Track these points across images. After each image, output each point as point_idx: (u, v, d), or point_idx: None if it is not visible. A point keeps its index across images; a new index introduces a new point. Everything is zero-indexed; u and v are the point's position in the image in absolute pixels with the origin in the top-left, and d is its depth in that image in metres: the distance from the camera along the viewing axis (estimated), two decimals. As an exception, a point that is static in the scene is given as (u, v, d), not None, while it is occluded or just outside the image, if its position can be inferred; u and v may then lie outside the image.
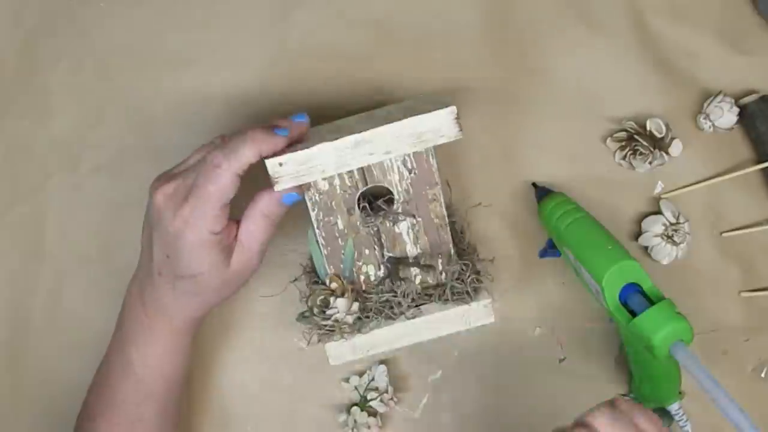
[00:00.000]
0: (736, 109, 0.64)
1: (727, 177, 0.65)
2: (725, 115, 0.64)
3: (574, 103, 0.66)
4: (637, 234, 0.64)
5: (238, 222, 0.53)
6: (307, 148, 0.49)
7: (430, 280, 0.57)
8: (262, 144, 0.50)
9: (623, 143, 0.65)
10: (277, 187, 0.50)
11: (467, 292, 0.56)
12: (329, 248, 0.55)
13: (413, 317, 0.56)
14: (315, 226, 0.55)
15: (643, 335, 0.51)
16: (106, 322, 0.64)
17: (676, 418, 0.59)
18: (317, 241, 0.55)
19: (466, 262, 0.57)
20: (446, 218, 0.56)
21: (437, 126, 0.50)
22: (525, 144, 0.66)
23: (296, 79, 0.65)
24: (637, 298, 0.54)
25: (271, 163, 0.49)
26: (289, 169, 0.49)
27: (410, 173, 0.54)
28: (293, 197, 0.52)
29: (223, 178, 0.49)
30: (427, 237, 0.56)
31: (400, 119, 0.50)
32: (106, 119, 0.66)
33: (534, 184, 0.64)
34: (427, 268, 0.56)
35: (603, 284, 0.54)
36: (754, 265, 0.65)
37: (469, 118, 0.66)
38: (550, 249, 0.63)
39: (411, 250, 0.56)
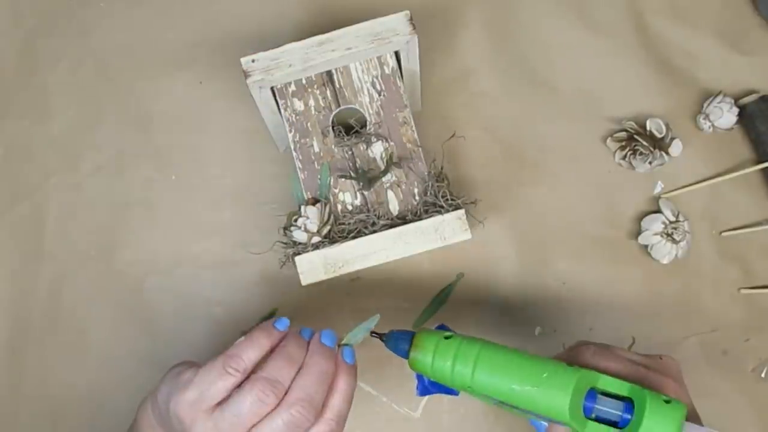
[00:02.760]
0: (735, 110, 0.64)
1: (727, 177, 0.65)
2: (725, 115, 0.64)
3: (574, 103, 0.66)
4: (637, 233, 0.64)
5: None
6: (276, 48, 0.55)
7: (402, 180, 0.57)
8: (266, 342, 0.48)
9: (623, 143, 0.65)
10: (249, 80, 0.54)
11: (441, 206, 0.56)
12: (306, 172, 0.57)
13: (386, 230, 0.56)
14: (292, 148, 0.57)
15: None
16: (106, 323, 0.64)
17: None
18: (296, 168, 0.57)
19: (441, 184, 0.57)
20: (418, 142, 0.57)
21: (393, 26, 0.55)
22: (525, 144, 0.66)
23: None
24: (607, 404, 0.44)
25: (244, 60, 0.54)
26: (261, 65, 0.55)
27: (379, 95, 0.57)
28: (351, 356, 0.49)
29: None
30: (401, 161, 0.57)
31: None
32: (106, 119, 0.66)
33: (375, 334, 0.51)
34: (397, 166, 0.57)
35: (569, 419, 0.43)
36: (753, 265, 0.65)
37: (471, 118, 0.66)
38: (431, 385, 0.50)
39: (385, 177, 0.57)
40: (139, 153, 0.66)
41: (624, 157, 0.65)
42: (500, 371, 0.45)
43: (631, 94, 0.66)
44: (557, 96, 0.67)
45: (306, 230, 0.55)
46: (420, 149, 0.57)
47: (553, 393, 0.43)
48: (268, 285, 0.64)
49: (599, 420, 0.44)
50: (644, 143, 0.63)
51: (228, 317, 0.64)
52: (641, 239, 0.64)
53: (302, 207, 0.55)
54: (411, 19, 0.55)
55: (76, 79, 0.67)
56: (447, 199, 0.56)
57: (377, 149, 0.57)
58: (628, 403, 0.44)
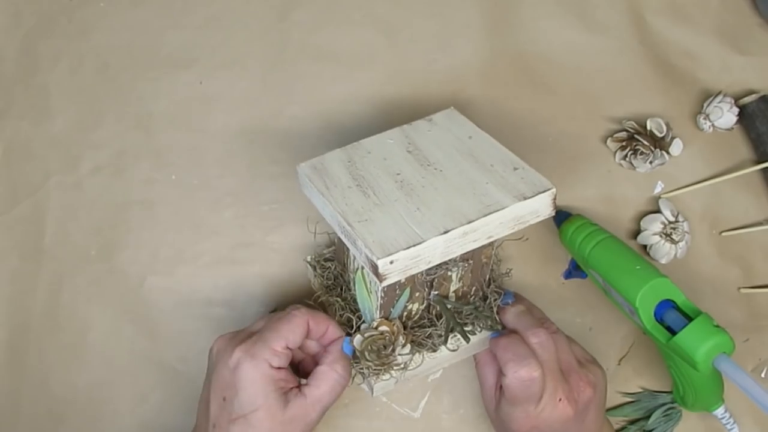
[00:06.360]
0: (735, 109, 0.64)
1: (727, 177, 0.65)
2: (725, 115, 0.64)
3: (574, 103, 0.66)
4: (637, 233, 0.64)
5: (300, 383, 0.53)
6: (418, 243, 0.47)
7: (465, 308, 0.57)
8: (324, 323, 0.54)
9: (623, 143, 0.65)
10: (384, 283, 0.48)
11: (494, 318, 0.56)
12: (386, 298, 0.53)
13: (455, 349, 0.56)
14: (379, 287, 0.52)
15: (685, 352, 0.51)
16: (106, 323, 0.64)
17: (723, 421, 0.59)
18: (370, 290, 0.54)
19: (498, 290, 0.57)
20: (494, 256, 0.55)
21: (537, 208, 0.50)
22: (526, 144, 0.66)
23: (296, 79, 0.65)
24: (673, 315, 0.53)
25: (382, 262, 0.47)
26: (399, 266, 0.47)
27: None
28: (350, 349, 0.54)
29: (295, 319, 0.52)
30: (471, 275, 0.55)
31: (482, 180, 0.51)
32: (106, 119, 0.66)
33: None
34: (465, 301, 0.56)
35: (637, 305, 0.54)
36: (753, 265, 0.65)
37: (470, 118, 0.66)
38: (575, 270, 0.63)
39: (454, 286, 0.56)
40: (139, 153, 0.66)
41: (624, 157, 0.65)
42: (608, 253, 0.57)
43: (631, 94, 0.66)
44: (557, 96, 0.67)
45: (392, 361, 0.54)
46: (491, 260, 0.55)
47: (635, 280, 0.54)
48: (268, 285, 0.64)
49: (660, 322, 0.54)
50: (645, 143, 0.63)
51: (228, 317, 0.64)
52: (640, 239, 0.64)
53: (374, 321, 0.54)
54: (555, 197, 0.50)
55: (76, 79, 0.67)
56: (483, 318, 0.56)
57: (455, 268, 0.54)
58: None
